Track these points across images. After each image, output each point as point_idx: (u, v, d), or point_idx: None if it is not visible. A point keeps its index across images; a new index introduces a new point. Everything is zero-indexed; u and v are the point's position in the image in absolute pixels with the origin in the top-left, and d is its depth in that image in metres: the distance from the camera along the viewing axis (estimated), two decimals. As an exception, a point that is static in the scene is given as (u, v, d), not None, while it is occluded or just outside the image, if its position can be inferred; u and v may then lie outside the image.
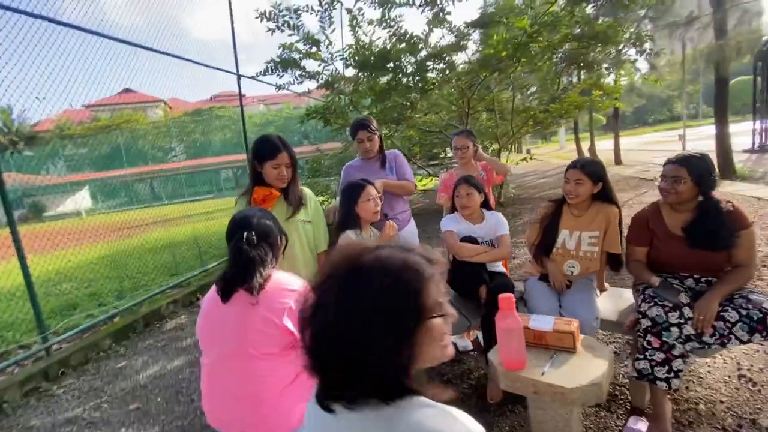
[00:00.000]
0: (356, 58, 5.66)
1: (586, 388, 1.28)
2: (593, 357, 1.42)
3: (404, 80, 5.62)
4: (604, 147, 16.27)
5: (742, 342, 1.60)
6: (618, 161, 13.06)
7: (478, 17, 4.77)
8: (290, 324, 1.23)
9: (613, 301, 2.11)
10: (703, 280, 1.81)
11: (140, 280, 5.03)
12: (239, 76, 5.92)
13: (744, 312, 1.59)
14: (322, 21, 5.94)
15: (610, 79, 9.00)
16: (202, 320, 1.34)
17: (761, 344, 2.19)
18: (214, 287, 1.31)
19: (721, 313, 1.63)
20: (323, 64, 6.27)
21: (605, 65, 4.84)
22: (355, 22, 5.84)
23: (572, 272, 2.12)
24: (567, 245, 2.11)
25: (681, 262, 1.83)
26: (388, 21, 5.49)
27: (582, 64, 4.97)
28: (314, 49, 6.00)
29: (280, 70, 6.02)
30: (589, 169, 1.97)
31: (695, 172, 1.71)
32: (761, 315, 1.56)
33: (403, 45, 5.46)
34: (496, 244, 2.20)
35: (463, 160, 2.67)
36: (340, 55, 6.09)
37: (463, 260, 2.10)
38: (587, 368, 1.35)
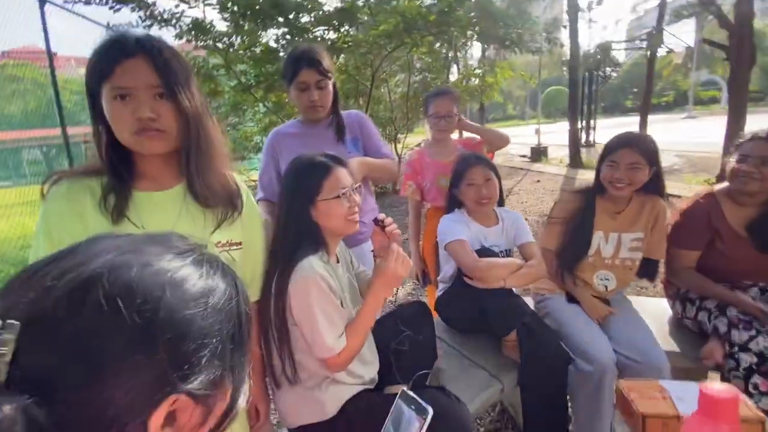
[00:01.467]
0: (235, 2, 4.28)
1: None
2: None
3: (303, 36, 4.51)
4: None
5: None
6: (484, 151, 14.29)
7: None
8: None
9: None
10: (769, 289, 1.48)
11: None
12: (43, 1, 3.87)
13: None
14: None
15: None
16: None
17: None
18: None
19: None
20: (183, 5, 4.64)
21: (532, 48, 4.76)
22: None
23: (606, 286, 1.59)
24: (602, 252, 1.57)
25: (746, 268, 1.47)
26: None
27: (508, 42, 4.73)
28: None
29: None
30: (647, 147, 1.44)
31: None
32: None
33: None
34: (520, 255, 1.51)
35: (446, 133, 1.90)
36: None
37: (484, 286, 1.34)
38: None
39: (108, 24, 4.57)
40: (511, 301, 1.35)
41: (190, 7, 4.60)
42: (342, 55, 4.73)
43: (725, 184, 1.49)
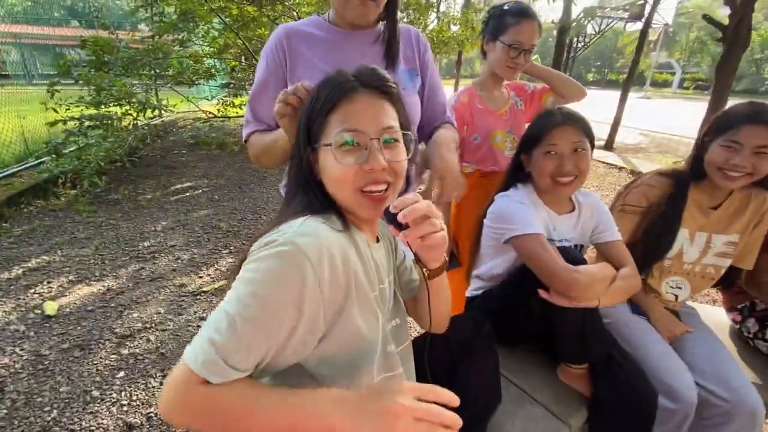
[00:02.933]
0: None
1: None
2: None
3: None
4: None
5: None
6: (455, 108, 13.80)
7: None
8: None
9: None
10: None
11: None
12: None
13: None
14: None
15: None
16: None
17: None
18: None
19: None
20: None
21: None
22: None
23: (677, 296, 1.29)
24: (684, 255, 1.24)
25: None
26: None
27: None
28: None
29: None
30: (784, 126, 1.07)
31: None
32: None
33: None
34: (598, 255, 1.13)
35: (517, 73, 1.37)
36: None
37: (573, 306, 0.94)
38: None
39: None
40: (595, 323, 0.98)
41: None
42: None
43: None
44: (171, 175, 4.71)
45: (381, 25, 0.96)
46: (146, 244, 2.95)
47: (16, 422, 1.46)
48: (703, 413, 1.08)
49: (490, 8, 1.40)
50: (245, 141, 1.00)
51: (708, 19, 5.58)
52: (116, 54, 4.88)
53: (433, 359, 0.82)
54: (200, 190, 4.22)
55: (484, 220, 1.16)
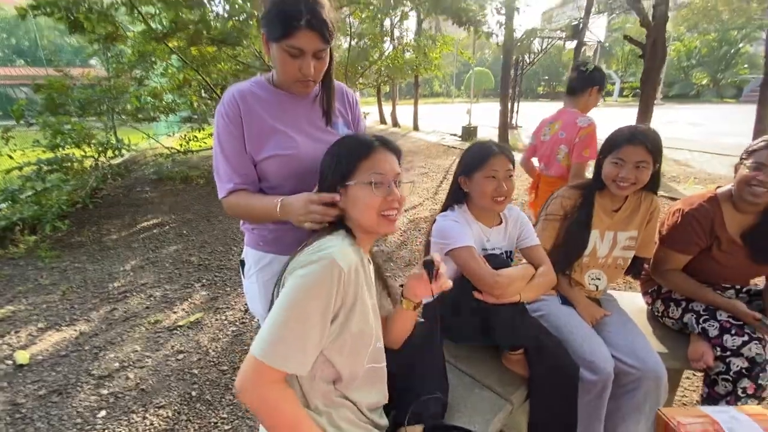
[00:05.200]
0: None
1: None
2: None
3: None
4: (399, 112, 17.51)
5: None
6: (416, 127, 14.32)
7: None
8: None
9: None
10: (744, 290, 1.53)
11: None
12: None
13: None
14: None
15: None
16: None
17: None
18: None
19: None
20: None
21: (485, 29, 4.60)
22: None
23: (597, 286, 1.53)
24: (598, 252, 1.49)
25: (733, 274, 1.49)
26: None
27: (464, 19, 4.52)
28: None
29: None
30: (654, 144, 1.34)
31: None
32: None
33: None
34: (525, 258, 1.35)
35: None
36: None
37: (499, 302, 1.15)
38: None
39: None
40: (523, 314, 1.19)
41: None
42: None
43: (727, 187, 1.46)
44: (136, 213, 4.69)
45: (318, 86, 1.10)
46: (116, 284, 2.96)
47: (-2, 471, 1.48)
48: (620, 381, 1.30)
49: (596, 66, 2.16)
50: (224, 195, 1.05)
51: (629, 39, 6.27)
52: (71, 95, 4.86)
53: (397, 358, 1.01)
54: (167, 226, 4.23)
55: (430, 237, 1.36)
